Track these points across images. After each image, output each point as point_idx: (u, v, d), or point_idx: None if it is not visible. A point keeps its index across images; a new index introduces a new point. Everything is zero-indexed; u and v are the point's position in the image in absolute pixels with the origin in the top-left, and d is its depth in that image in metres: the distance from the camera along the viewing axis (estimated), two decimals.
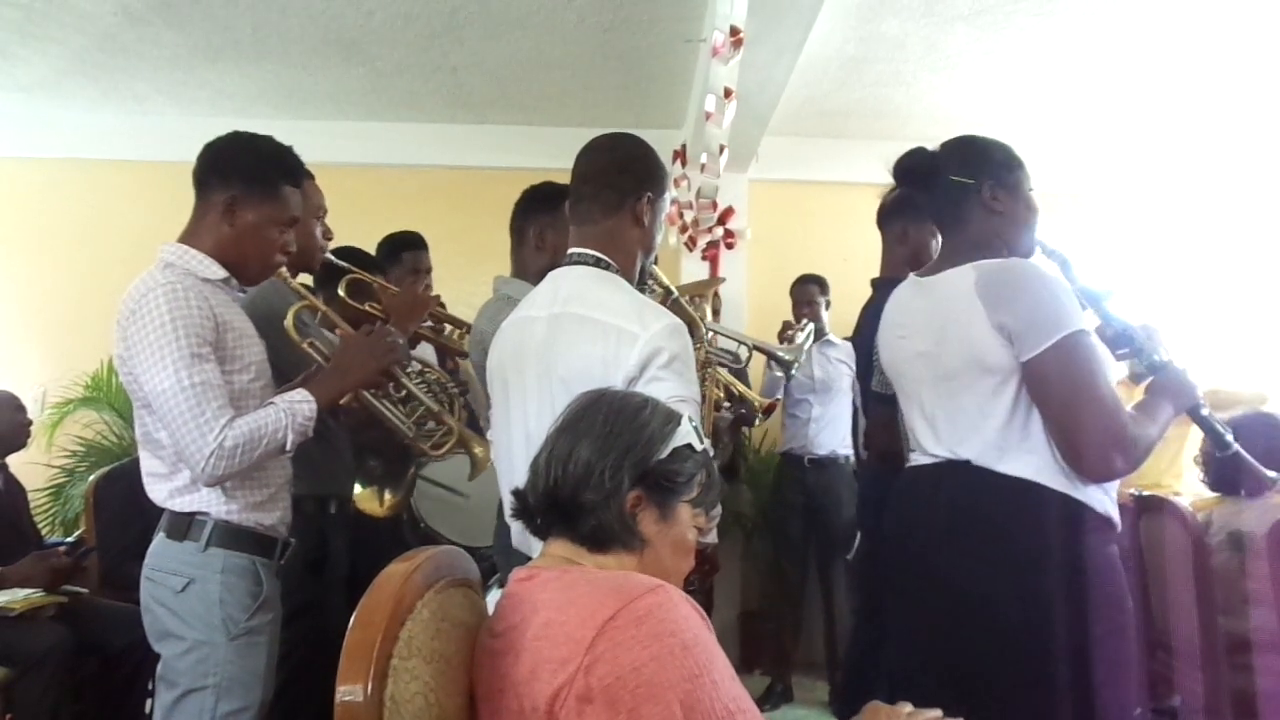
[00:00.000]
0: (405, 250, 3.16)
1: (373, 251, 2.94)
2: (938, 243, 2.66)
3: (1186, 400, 1.79)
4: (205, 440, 1.62)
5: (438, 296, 2.47)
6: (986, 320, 1.60)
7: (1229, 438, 1.89)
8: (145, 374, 1.64)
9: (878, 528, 2.70)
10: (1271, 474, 2.13)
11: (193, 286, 1.70)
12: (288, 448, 1.74)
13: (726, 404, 2.75)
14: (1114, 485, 1.67)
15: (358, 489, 2.58)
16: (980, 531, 1.62)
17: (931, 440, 1.74)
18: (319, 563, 2.24)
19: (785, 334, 3.94)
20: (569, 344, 1.60)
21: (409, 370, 2.25)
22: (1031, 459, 1.60)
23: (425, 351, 2.79)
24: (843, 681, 3.34)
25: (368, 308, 2.33)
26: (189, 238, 1.81)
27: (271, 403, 1.74)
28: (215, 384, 1.66)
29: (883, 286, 2.74)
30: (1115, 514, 1.65)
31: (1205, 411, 1.85)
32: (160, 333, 1.63)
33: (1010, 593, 1.57)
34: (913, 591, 1.75)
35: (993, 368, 1.61)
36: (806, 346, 3.65)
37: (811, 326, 3.71)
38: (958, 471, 1.67)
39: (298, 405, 1.74)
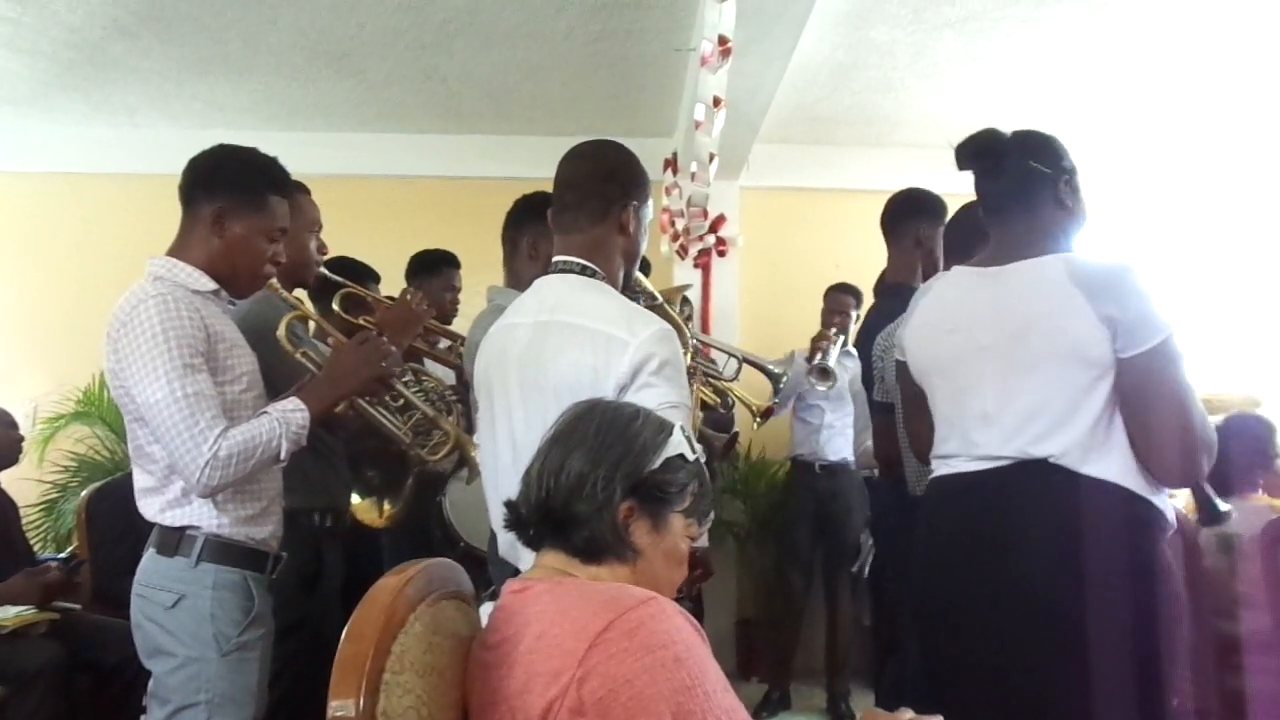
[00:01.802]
0: (446, 265, 3.25)
1: (375, 262, 2.96)
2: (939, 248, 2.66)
3: None
4: (200, 451, 1.62)
5: (432, 309, 2.47)
6: (1091, 311, 1.56)
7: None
8: (137, 385, 1.64)
9: (896, 537, 2.62)
10: (1225, 506, 2.22)
11: (183, 298, 1.70)
12: (282, 456, 1.73)
13: (722, 409, 2.76)
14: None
15: (355, 499, 2.58)
16: (1065, 535, 1.56)
17: (995, 439, 1.65)
18: (313, 577, 2.23)
19: (820, 345, 3.78)
20: (557, 352, 1.59)
21: (404, 379, 2.26)
22: (1115, 459, 1.56)
23: (445, 372, 2.81)
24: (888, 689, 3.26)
25: (362, 321, 2.33)
26: (177, 251, 1.81)
27: (265, 412, 1.74)
28: (208, 394, 1.66)
29: (889, 294, 2.71)
30: (1174, 518, 1.65)
31: None
32: (152, 344, 1.63)
33: (1096, 598, 1.52)
34: (981, 598, 1.64)
35: (1093, 361, 1.56)
36: (839, 357, 3.65)
37: (844, 337, 3.70)
38: (1034, 472, 1.60)
39: (291, 414, 1.74)
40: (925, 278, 2.63)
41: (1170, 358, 1.56)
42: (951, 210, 2.54)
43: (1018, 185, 1.74)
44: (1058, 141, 1.78)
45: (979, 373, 1.69)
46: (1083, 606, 1.53)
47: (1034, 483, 1.60)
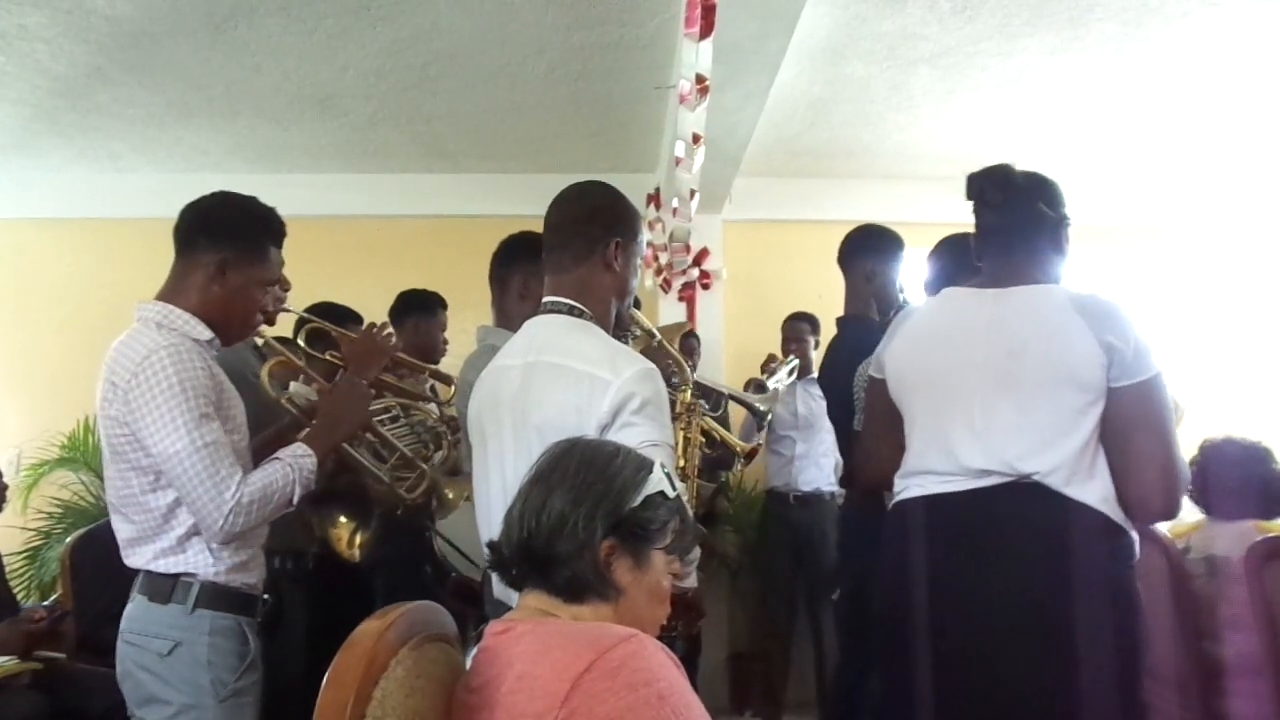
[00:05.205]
0: (441, 307, 3.27)
1: (362, 302, 2.97)
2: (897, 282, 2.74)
3: None
4: (223, 499, 1.65)
5: (398, 343, 2.47)
6: (1092, 336, 1.62)
7: None
8: (154, 437, 1.64)
9: (869, 563, 2.66)
10: None
11: (191, 348, 1.72)
12: (294, 501, 1.77)
13: (708, 449, 2.76)
14: None
15: (332, 531, 2.57)
16: (1050, 552, 1.59)
17: (979, 454, 1.67)
18: (273, 621, 2.21)
19: (768, 365, 3.98)
20: (542, 392, 1.61)
21: (394, 414, 2.27)
22: (1096, 486, 1.61)
23: None
24: (831, 716, 3.32)
25: (329, 356, 2.32)
26: (171, 296, 1.80)
27: (277, 458, 1.77)
28: (223, 442, 1.69)
29: (850, 324, 2.78)
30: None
31: None
32: (169, 395, 1.64)
33: (1073, 618, 1.56)
34: (966, 616, 1.66)
35: (1087, 385, 1.62)
36: (787, 383, 3.69)
37: (796, 362, 3.75)
38: (1019, 491, 1.63)
39: (301, 459, 1.79)
40: (880, 310, 2.71)
41: (1159, 394, 1.63)
42: (922, 239, 2.61)
43: (1025, 222, 1.82)
44: (1060, 188, 1.87)
45: (969, 388, 1.72)
46: (1063, 624, 1.56)
47: (1019, 502, 1.63)
